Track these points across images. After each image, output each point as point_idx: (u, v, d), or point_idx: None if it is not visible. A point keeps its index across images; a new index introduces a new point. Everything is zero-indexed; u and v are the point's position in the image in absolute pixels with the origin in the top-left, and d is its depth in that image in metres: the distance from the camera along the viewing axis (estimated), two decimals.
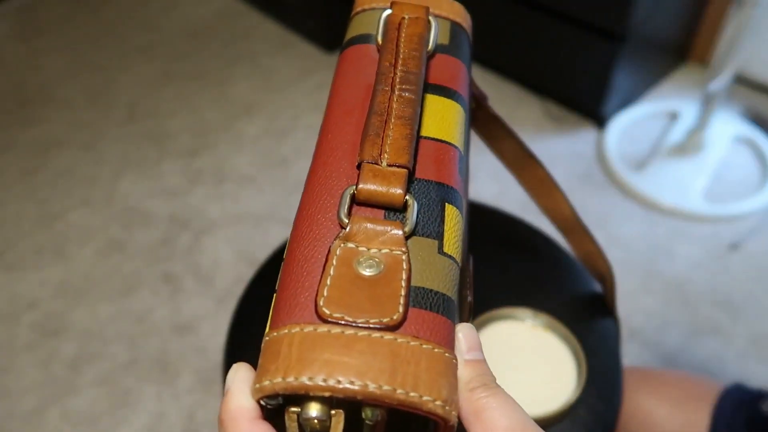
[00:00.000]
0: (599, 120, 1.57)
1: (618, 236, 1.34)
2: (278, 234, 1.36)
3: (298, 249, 0.24)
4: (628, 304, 1.22)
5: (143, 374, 1.14)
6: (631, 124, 1.56)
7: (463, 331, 0.23)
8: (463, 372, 0.22)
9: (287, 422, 0.21)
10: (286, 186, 1.47)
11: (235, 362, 0.59)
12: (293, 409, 0.21)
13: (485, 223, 0.68)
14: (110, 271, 1.31)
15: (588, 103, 1.55)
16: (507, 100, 1.65)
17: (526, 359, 0.52)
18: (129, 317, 1.23)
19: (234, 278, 1.29)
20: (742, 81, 1.65)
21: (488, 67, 1.72)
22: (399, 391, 0.20)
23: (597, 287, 0.63)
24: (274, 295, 0.23)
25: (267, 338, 0.22)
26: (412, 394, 0.20)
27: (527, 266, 0.64)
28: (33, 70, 1.81)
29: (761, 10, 1.19)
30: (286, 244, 0.70)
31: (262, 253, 1.32)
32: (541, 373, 0.52)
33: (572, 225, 0.53)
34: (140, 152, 1.57)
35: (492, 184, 1.44)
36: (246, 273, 1.29)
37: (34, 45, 1.90)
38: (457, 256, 0.25)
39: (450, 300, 0.23)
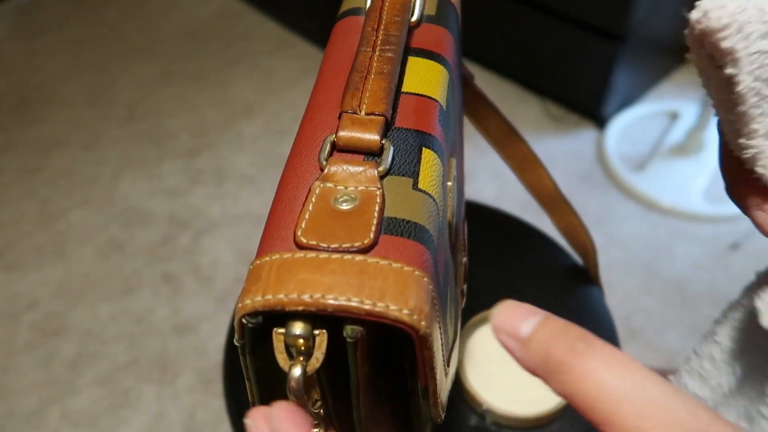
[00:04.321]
0: (599, 120, 1.57)
1: (618, 236, 1.34)
2: None
3: (282, 191, 0.26)
4: (628, 304, 1.22)
5: (143, 374, 1.14)
6: (631, 124, 1.56)
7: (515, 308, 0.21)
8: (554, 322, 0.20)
9: (275, 343, 0.22)
10: None
11: (235, 362, 0.60)
12: (280, 330, 0.22)
13: (485, 223, 0.68)
14: (110, 271, 1.31)
15: (588, 103, 1.55)
16: (507, 100, 1.65)
17: None
18: (129, 317, 1.23)
19: (234, 278, 1.29)
20: None
21: (488, 67, 1.72)
22: (366, 302, 0.21)
23: (595, 287, 0.63)
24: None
25: (251, 267, 0.23)
26: (379, 304, 0.21)
27: (526, 266, 0.64)
28: (33, 70, 1.81)
29: None
30: None
31: None
32: None
33: (554, 199, 0.55)
34: (140, 152, 1.57)
35: (492, 184, 1.44)
36: (246, 273, 1.29)
37: (34, 45, 1.90)
38: (434, 193, 0.26)
39: (423, 228, 0.25)
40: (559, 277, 0.63)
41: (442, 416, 0.28)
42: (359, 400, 0.25)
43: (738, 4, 0.21)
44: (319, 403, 0.24)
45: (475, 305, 0.56)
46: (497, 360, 0.52)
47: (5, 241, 1.37)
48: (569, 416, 0.50)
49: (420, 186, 0.26)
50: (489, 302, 0.56)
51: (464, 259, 0.44)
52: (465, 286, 0.47)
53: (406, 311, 0.22)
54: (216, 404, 1.11)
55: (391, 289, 0.22)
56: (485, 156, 1.47)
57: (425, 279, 0.23)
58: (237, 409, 0.53)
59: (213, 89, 1.74)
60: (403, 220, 0.24)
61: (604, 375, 0.18)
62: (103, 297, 1.26)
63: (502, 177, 1.44)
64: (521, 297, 0.59)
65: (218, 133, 1.62)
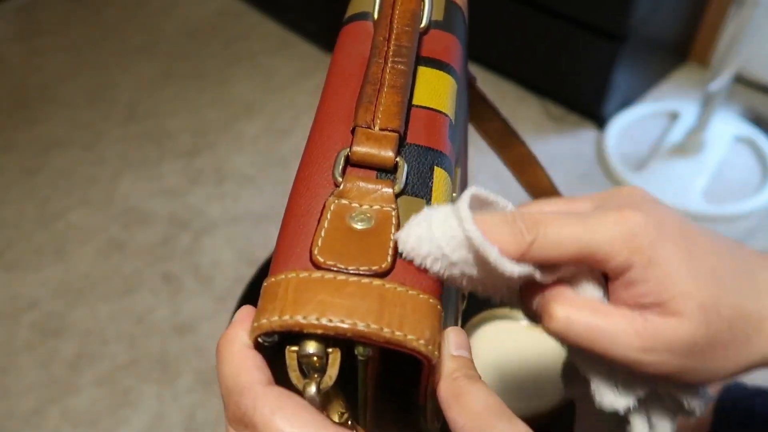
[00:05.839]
0: (599, 120, 1.57)
1: None
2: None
3: (295, 205, 0.26)
4: None
5: (143, 374, 1.14)
6: (631, 124, 1.56)
7: (453, 332, 0.24)
8: (449, 364, 0.24)
9: (288, 361, 0.22)
10: (286, 186, 1.47)
11: None
12: (293, 348, 0.22)
13: None
14: (110, 271, 1.31)
15: (588, 103, 1.55)
16: (507, 100, 1.65)
17: (520, 359, 0.53)
18: (129, 317, 1.23)
19: (234, 278, 1.29)
20: (742, 81, 1.65)
21: (488, 67, 1.72)
22: (385, 329, 0.21)
23: None
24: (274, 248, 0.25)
25: (266, 284, 0.23)
26: (397, 333, 0.21)
27: None
28: (33, 70, 1.81)
29: (761, 10, 1.19)
30: None
31: (262, 253, 1.32)
32: (535, 372, 0.52)
33: (552, 197, 0.54)
34: (140, 152, 1.57)
35: (492, 184, 1.44)
36: (246, 273, 1.29)
37: (34, 45, 1.90)
38: None
39: None
40: None
41: (438, 427, 0.28)
42: (366, 413, 0.25)
43: (417, 239, 0.24)
44: (346, 416, 0.24)
45: (473, 306, 0.56)
46: (496, 360, 0.52)
47: (5, 241, 1.37)
48: (567, 415, 0.50)
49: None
50: (485, 302, 0.56)
51: None
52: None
53: (422, 341, 0.22)
54: (216, 404, 1.11)
55: (409, 318, 0.22)
56: (485, 156, 1.47)
57: (438, 307, 0.23)
58: None
59: (213, 89, 1.74)
60: None
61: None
62: (103, 297, 1.26)
63: (502, 177, 1.44)
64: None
65: (218, 133, 1.62)
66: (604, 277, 0.27)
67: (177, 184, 1.48)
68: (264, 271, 0.67)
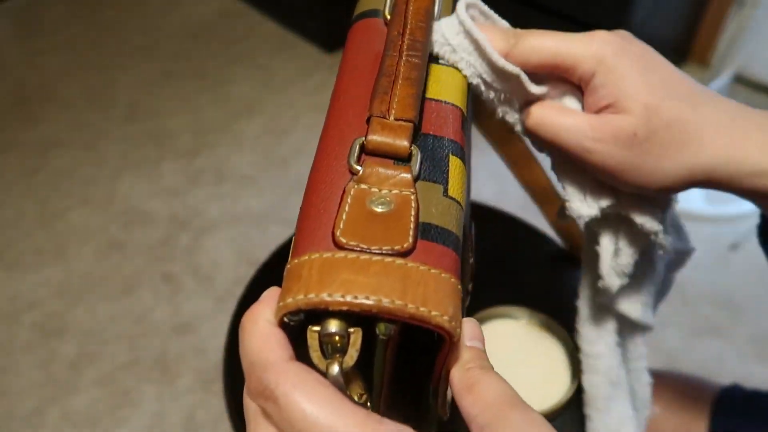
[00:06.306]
0: None
1: None
2: (278, 234, 1.36)
3: (314, 192, 0.26)
4: None
5: (143, 374, 1.14)
6: None
7: (467, 323, 0.25)
8: (463, 354, 0.24)
9: (309, 340, 0.23)
10: (286, 186, 1.48)
11: (235, 362, 0.60)
12: (315, 328, 0.23)
13: (484, 223, 0.68)
14: (110, 271, 1.31)
15: None
16: None
17: (521, 358, 0.53)
18: (129, 317, 1.23)
19: (234, 278, 1.29)
20: (742, 81, 1.65)
21: None
22: (410, 305, 0.22)
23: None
24: (294, 234, 0.26)
25: (289, 266, 0.24)
26: (422, 308, 0.22)
27: (525, 266, 0.64)
28: (33, 70, 1.81)
29: (761, 10, 1.19)
30: (285, 244, 0.70)
31: (262, 253, 1.32)
32: (535, 372, 0.52)
33: (549, 194, 0.56)
34: (140, 152, 1.57)
35: (492, 183, 1.44)
36: (246, 273, 1.29)
37: (34, 45, 1.90)
38: (461, 201, 0.27)
39: (454, 235, 0.26)
40: (557, 277, 0.63)
41: (448, 413, 0.29)
42: (381, 395, 0.26)
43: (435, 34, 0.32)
44: (365, 397, 0.24)
45: (472, 303, 0.56)
46: (498, 358, 0.52)
47: (5, 241, 1.37)
48: (569, 414, 0.50)
49: (450, 193, 0.27)
50: (486, 301, 0.56)
51: (470, 260, 0.45)
52: (471, 285, 0.47)
53: (446, 317, 0.22)
54: (216, 404, 1.11)
55: (432, 296, 0.22)
56: (485, 155, 1.47)
57: (459, 287, 0.24)
58: (237, 408, 0.53)
59: (213, 89, 1.74)
60: (438, 226, 0.25)
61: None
62: (103, 297, 1.26)
63: (501, 176, 1.44)
64: (519, 296, 0.59)
65: (218, 133, 1.62)
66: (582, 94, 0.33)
67: (177, 184, 1.48)
68: (264, 272, 0.67)
